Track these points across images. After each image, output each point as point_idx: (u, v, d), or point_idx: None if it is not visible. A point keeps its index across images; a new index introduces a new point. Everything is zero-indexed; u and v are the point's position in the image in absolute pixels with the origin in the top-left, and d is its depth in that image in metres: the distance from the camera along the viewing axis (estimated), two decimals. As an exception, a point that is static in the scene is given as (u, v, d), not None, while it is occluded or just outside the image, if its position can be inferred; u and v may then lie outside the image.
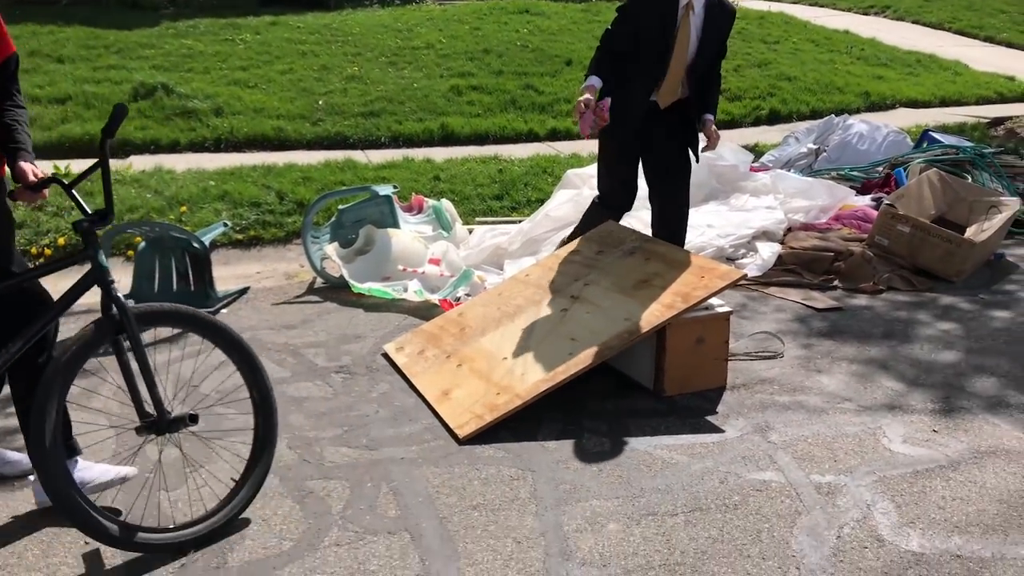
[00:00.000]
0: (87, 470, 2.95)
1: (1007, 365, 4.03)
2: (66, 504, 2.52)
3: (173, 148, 7.70)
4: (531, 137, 8.56)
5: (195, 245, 4.59)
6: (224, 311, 4.66)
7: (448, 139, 8.39)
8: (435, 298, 4.74)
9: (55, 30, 10.29)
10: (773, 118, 9.24)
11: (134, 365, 2.63)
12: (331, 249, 5.25)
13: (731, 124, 8.91)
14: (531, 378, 3.48)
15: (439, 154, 7.72)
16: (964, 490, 3.00)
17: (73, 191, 2.64)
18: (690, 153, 4.47)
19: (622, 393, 3.69)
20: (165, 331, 4.09)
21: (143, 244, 4.68)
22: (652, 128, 4.34)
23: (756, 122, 9.14)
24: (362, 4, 13.16)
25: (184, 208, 5.95)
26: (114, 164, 6.98)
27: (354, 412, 3.51)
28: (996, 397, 3.71)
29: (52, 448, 2.51)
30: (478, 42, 10.86)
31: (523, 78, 9.80)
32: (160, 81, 8.68)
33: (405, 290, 4.85)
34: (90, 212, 2.65)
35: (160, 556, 2.61)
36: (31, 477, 2.91)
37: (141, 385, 2.63)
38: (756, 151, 7.32)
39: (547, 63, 10.31)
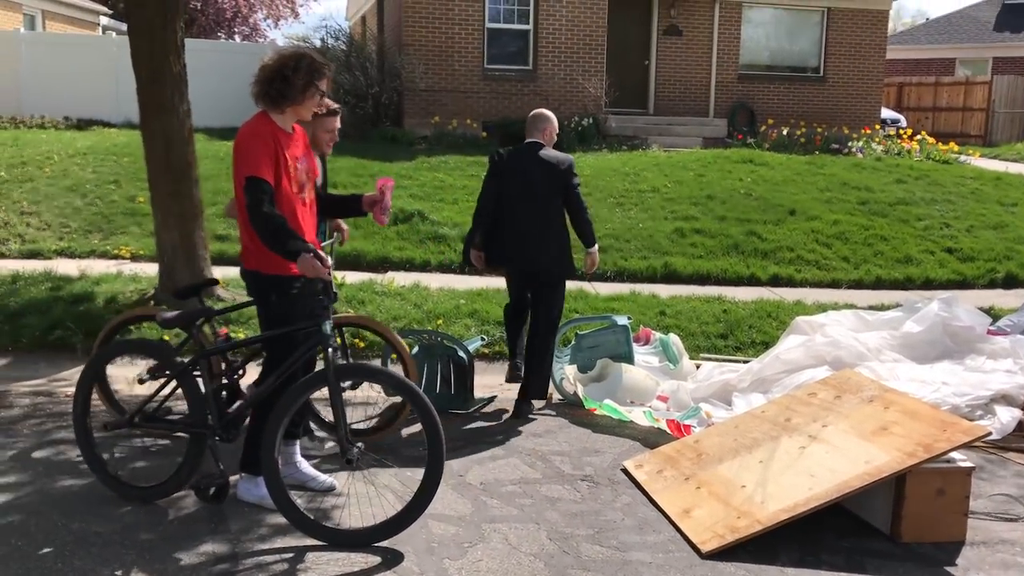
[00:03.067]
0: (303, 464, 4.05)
1: None
2: (283, 504, 3.50)
3: (424, 267, 8.66)
4: (753, 281, 8.86)
5: (461, 354, 5.22)
6: (475, 416, 5.21)
7: (670, 277, 8.85)
8: (663, 421, 5.05)
9: (330, 160, 11.87)
10: (1009, 282, 9.01)
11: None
12: (570, 370, 5.76)
13: (963, 284, 8.80)
14: (771, 507, 3.71)
15: (663, 290, 8.15)
16: None
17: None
18: None
19: (857, 533, 3.82)
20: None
21: (416, 348, 5.36)
22: None
23: (991, 284, 8.95)
24: (591, 148, 14.17)
25: (440, 321, 6.70)
26: (376, 278, 7.98)
27: (602, 517, 3.87)
28: None
29: (276, 463, 3.53)
30: (702, 188, 11.41)
31: (746, 224, 10.18)
32: (416, 208, 9.84)
33: (631, 412, 5.22)
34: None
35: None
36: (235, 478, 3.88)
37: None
38: (991, 314, 7.21)
39: (770, 211, 10.64)
